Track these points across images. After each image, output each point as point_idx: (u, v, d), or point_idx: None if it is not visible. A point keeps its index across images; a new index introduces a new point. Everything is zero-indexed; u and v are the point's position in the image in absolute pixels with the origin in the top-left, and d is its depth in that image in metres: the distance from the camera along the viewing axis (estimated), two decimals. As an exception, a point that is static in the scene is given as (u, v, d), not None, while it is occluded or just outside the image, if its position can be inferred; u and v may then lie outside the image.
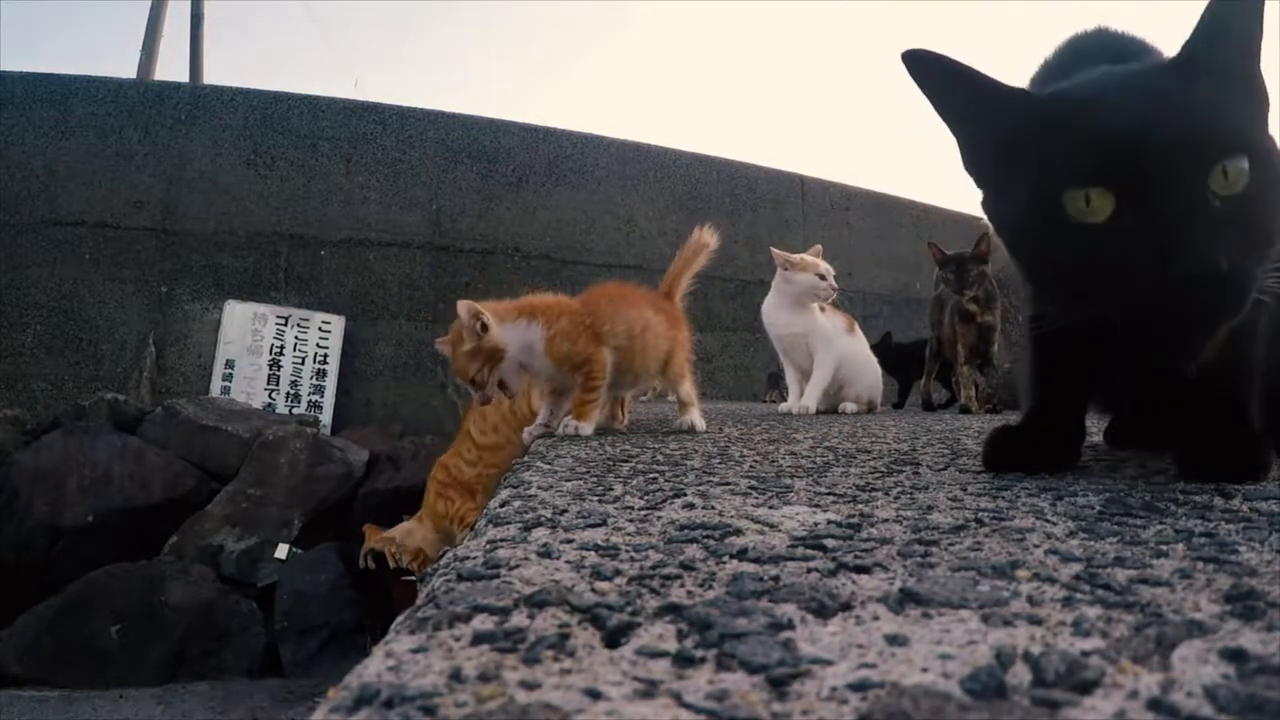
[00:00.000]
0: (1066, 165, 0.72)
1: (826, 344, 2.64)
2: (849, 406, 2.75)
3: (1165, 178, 0.67)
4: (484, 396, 1.57)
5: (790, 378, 2.76)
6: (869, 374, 2.84)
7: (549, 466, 1.05)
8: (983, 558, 0.49)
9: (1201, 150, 0.67)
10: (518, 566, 0.48)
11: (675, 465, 1.05)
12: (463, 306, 1.52)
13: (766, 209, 5.70)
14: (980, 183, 0.84)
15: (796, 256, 2.66)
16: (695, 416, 1.77)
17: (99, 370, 4.19)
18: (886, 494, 0.77)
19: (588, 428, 1.59)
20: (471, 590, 0.43)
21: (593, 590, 0.43)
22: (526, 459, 1.26)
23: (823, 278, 2.61)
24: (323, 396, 4.40)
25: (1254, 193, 0.67)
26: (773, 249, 2.72)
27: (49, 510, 3.09)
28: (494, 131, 5.06)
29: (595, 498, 0.77)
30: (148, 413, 3.70)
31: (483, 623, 0.37)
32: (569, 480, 0.90)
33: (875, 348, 3.10)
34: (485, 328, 1.52)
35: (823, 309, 2.70)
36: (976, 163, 0.84)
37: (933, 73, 0.78)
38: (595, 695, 0.29)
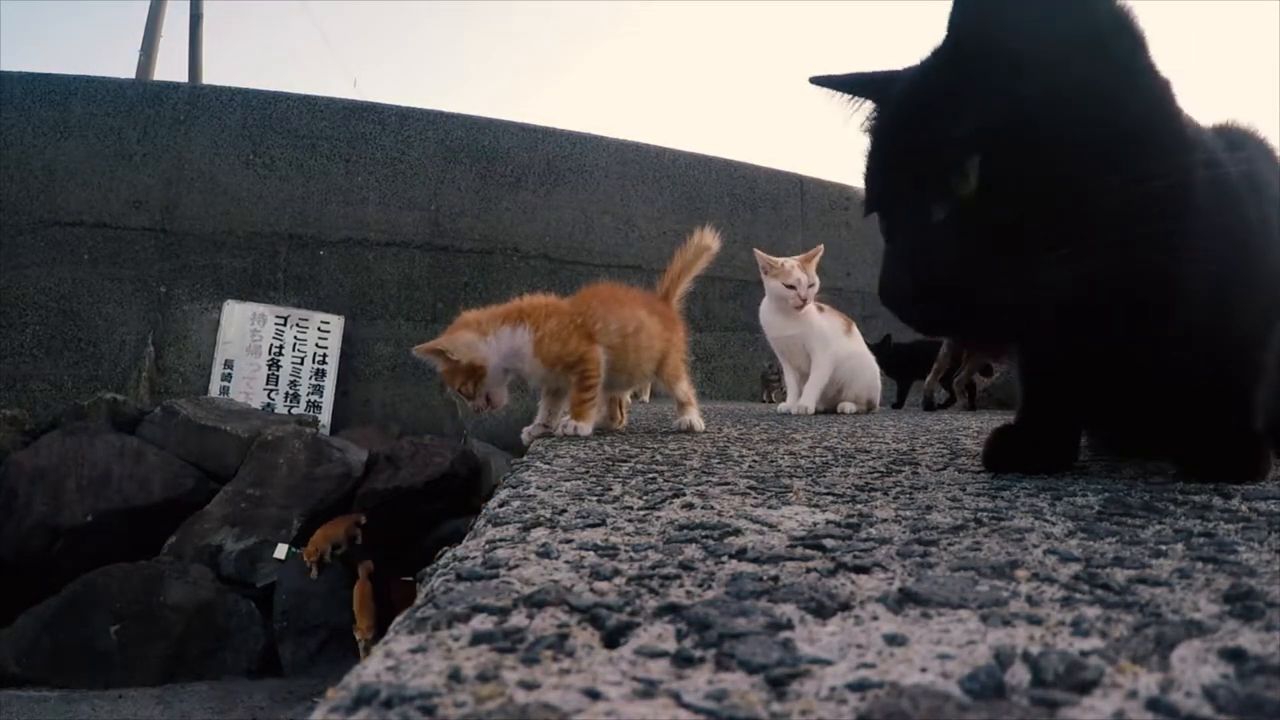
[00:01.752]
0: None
1: (824, 345, 2.64)
2: (848, 407, 2.75)
3: (892, 197, 0.66)
4: (475, 406, 1.58)
5: (789, 378, 2.77)
6: (867, 374, 2.85)
7: (548, 466, 1.04)
8: (982, 558, 0.49)
9: (913, 161, 0.64)
10: (517, 566, 0.48)
11: (674, 465, 1.05)
12: (419, 352, 1.57)
13: (766, 209, 5.70)
14: None
15: (778, 261, 2.65)
16: (694, 416, 1.77)
17: (98, 370, 4.19)
18: (885, 494, 0.77)
19: (586, 427, 1.59)
20: (470, 590, 0.43)
21: (592, 590, 0.43)
22: (526, 459, 1.26)
23: (791, 286, 2.60)
24: (321, 396, 4.40)
25: (992, 191, 0.61)
26: (755, 250, 2.70)
27: (48, 510, 3.09)
28: (493, 131, 5.06)
29: (594, 498, 0.77)
30: (147, 413, 3.70)
31: (482, 623, 0.37)
32: (568, 480, 0.90)
33: (875, 348, 3.10)
34: (452, 359, 1.53)
35: (821, 309, 2.70)
36: None
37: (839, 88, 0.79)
38: (594, 695, 0.29)
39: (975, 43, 0.64)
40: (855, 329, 2.90)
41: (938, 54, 0.67)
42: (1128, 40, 0.64)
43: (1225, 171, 0.71)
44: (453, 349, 1.53)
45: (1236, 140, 0.85)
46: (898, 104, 0.68)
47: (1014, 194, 0.61)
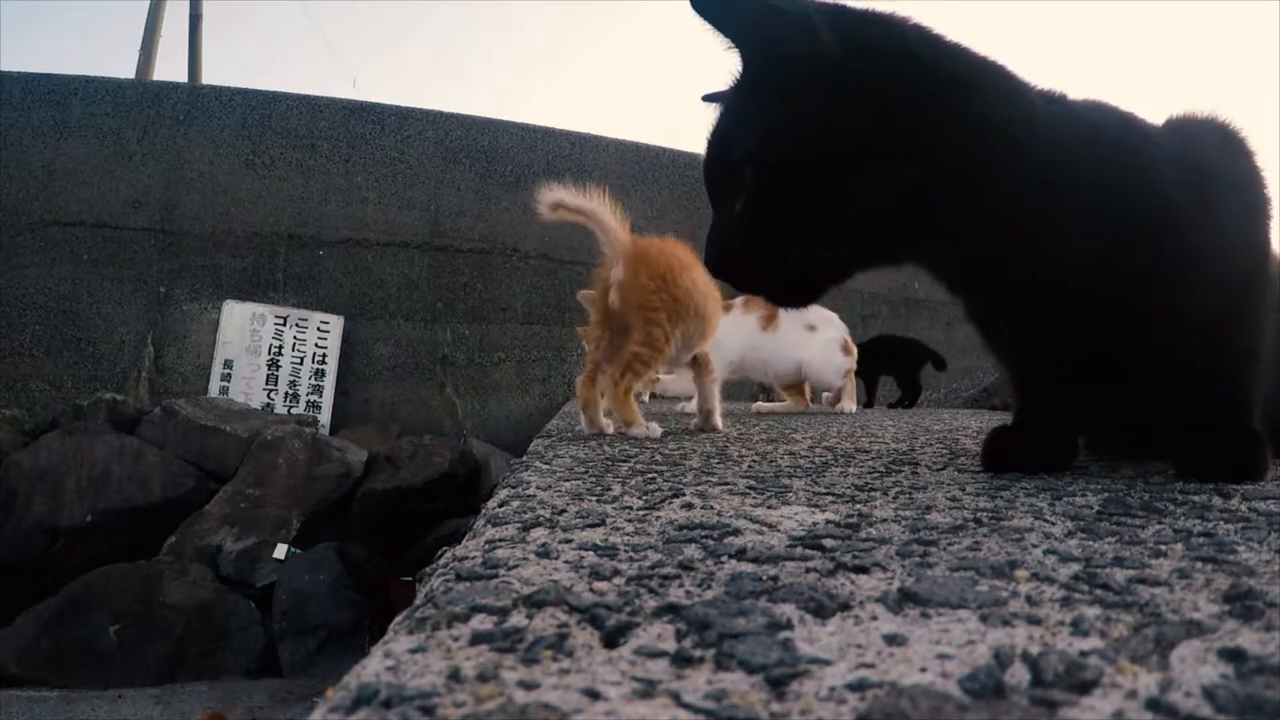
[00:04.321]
0: None
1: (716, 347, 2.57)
2: (848, 405, 2.75)
3: (714, 192, 0.81)
4: None
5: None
6: (779, 364, 2.77)
7: (548, 466, 1.04)
8: (981, 558, 0.49)
9: (720, 167, 0.79)
10: (516, 566, 0.48)
11: (674, 465, 1.05)
12: None
13: (765, 209, 5.69)
14: None
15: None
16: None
17: (97, 370, 4.19)
18: (885, 494, 0.77)
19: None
20: (470, 590, 0.43)
21: (591, 590, 0.43)
22: (525, 459, 1.26)
23: None
24: (321, 396, 4.40)
25: (759, 194, 0.76)
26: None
27: (47, 510, 3.09)
28: (492, 131, 5.06)
29: (594, 498, 0.77)
30: (146, 413, 3.70)
31: (481, 623, 0.37)
32: (568, 480, 0.90)
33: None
34: None
35: (728, 308, 2.51)
36: None
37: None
38: (594, 695, 0.29)
39: (750, 71, 0.78)
40: (780, 316, 2.74)
41: (739, 78, 0.80)
42: (869, 57, 0.73)
43: (1105, 161, 0.77)
44: None
45: (1181, 129, 0.87)
46: (716, 120, 0.82)
47: (774, 195, 0.75)
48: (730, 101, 0.80)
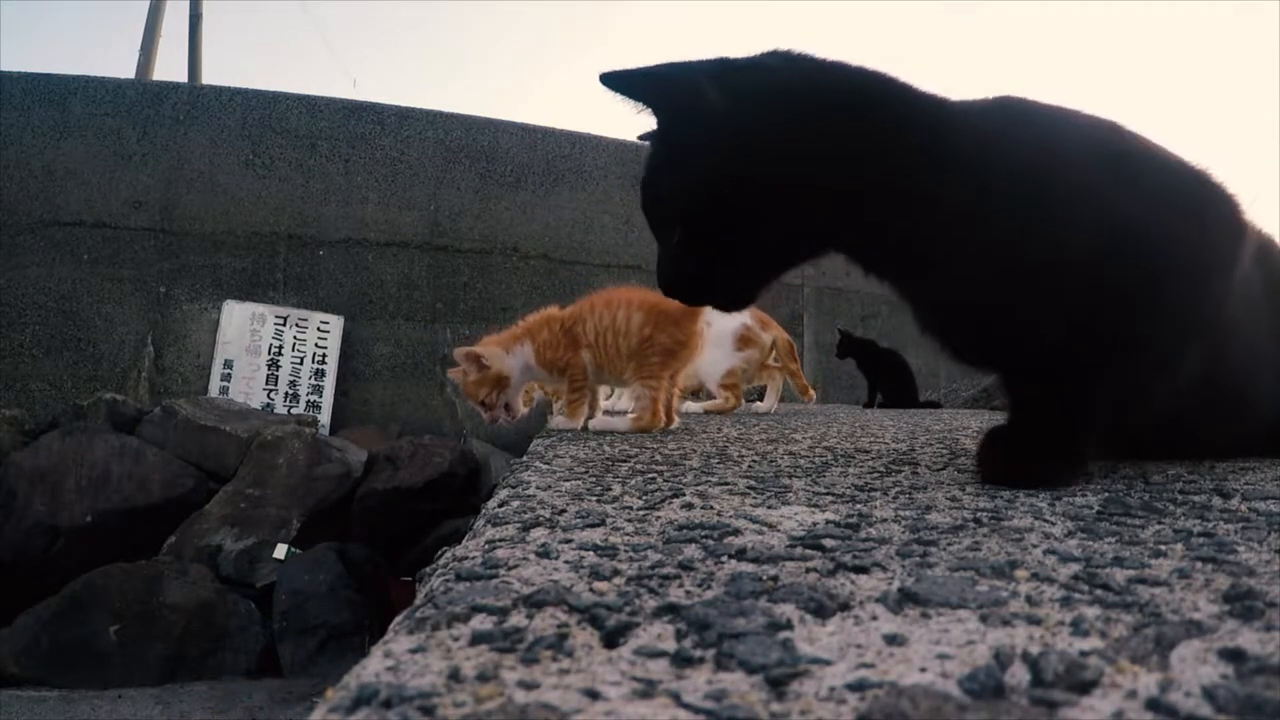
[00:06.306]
0: None
1: None
2: (702, 400, 2.62)
3: (654, 225, 0.92)
4: (492, 417, 1.70)
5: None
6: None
7: (548, 466, 1.04)
8: (981, 558, 0.49)
9: (654, 208, 0.91)
10: (516, 566, 0.48)
11: (674, 465, 1.05)
12: (459, 355, 1.68)
13: (765, 209, 5.69)
14: None
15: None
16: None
17: (97, 370, 4.19)
18: (885, 494, 0.77)
19: (573, 423, 1.71)
20: (470, 590, 0.43)
21: (591, 590, 0.43)
22: (525, 459, 1.26)
23: None
24: (321, 396, 4.40)
25: (686, 230, 0.88)
26: None
27: (47, 510, 3.09)
28: (492, 131, 5.06)
29: (594, 498, 0.77)
30: (146, 413, 3.70)
31: (481, 623, 0.37)
32: (568, 480, 0.90)
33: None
34: (484, 366, 1.67)
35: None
36: None
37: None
38: (594, 695, 0.29)
39: (662, 127, 0.89)
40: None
41: (656, 131, 0.90)
42: (753, 109, 0.81)
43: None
44: (487, 355, 1.68)
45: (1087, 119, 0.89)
46: (645, 166, 0.92)
47: (698, 230, 0.87)
48: (652, 150, 0.92)
